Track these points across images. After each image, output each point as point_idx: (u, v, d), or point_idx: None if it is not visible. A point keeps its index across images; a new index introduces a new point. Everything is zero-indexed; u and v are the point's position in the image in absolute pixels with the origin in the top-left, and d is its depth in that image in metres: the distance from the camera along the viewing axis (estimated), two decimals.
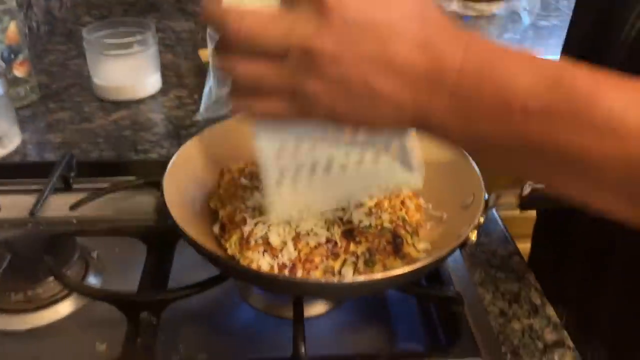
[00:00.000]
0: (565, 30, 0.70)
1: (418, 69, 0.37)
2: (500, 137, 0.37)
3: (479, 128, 0.37)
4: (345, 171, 0.51)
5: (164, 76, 1.01)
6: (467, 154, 0.60)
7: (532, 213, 0.79)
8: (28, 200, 0.68)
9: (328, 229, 0.53)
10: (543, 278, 0.64)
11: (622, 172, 0.36)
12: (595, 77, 0.36)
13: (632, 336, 0.63)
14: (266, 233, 0.52)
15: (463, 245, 0.52)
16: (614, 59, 0.57)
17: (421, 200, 0.61)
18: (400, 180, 0.51)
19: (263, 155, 0.50)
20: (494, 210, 0.72)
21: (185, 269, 0.60)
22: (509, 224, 0.72)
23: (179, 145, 0.60)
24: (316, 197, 0.52)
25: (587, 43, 0.64)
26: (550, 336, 0.56)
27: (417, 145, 0.51)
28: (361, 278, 0.49)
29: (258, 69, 0.39)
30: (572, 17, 0.69)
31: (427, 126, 0.39)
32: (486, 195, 0.55)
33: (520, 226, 0.80)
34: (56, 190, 0.70)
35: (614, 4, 0.58)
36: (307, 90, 0.38)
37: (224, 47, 0.40)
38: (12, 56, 0.89)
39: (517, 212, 0.91)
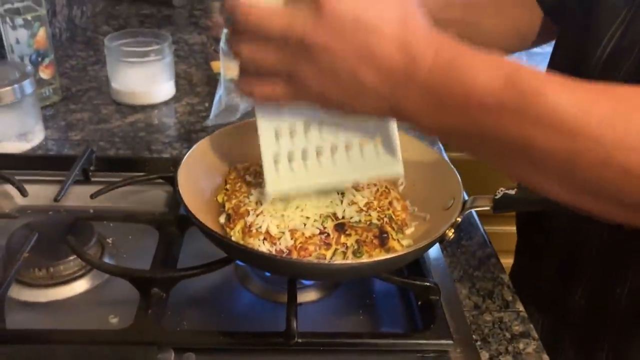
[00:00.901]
0: None
1: (396, 66, 0.44)
2: (461, 126, 0.44)
3: (443, 118, 0.44)
4: (335, 155, 0.57)
5: (177, 84, 1.09)
6: (449, 163, 0.67)
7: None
8: (51, 190, 0.74)
9: (322, 223, 0.60)
10: (523, 288, 0.70)
11: (564, 163, 0.41)
12: (545, 78, 0.42)
13: (596, 336, 0.69)
14: (267, 225, 0.59)
15: (441, 240, 0.58)
16: (589, 79, 0.64)
17: (407, 203, 0.67)
18: (383, 167, 0.57)
19: (262, 135, 0.56)
20: (476, 217, 0.78)
21: (191, 258, 0.66)
22: (496, 240, 0.77)
23: (190, 147, 0.67)
24: (309, 178, 0.57)
25: (567, 64, 0.71)
26: (517, 328, 0.62)
27: (399, 137, 0.57)
28: (349, 261, 0.55)
29: (261, 52, 0.46)
30: (555, 43, 0.77)
31: (401, 115, 0.47)
32: (465, 198, 0.62)
33: (506, 243, 0.87)
34: (76, 182, 0.77)
35: (589, 30, 0.65)
36: (301, 75, 0.46)
37: (234, 33, 0.48)
38: (39, 59, 0.96)
39: (501, 227, 0.98)
